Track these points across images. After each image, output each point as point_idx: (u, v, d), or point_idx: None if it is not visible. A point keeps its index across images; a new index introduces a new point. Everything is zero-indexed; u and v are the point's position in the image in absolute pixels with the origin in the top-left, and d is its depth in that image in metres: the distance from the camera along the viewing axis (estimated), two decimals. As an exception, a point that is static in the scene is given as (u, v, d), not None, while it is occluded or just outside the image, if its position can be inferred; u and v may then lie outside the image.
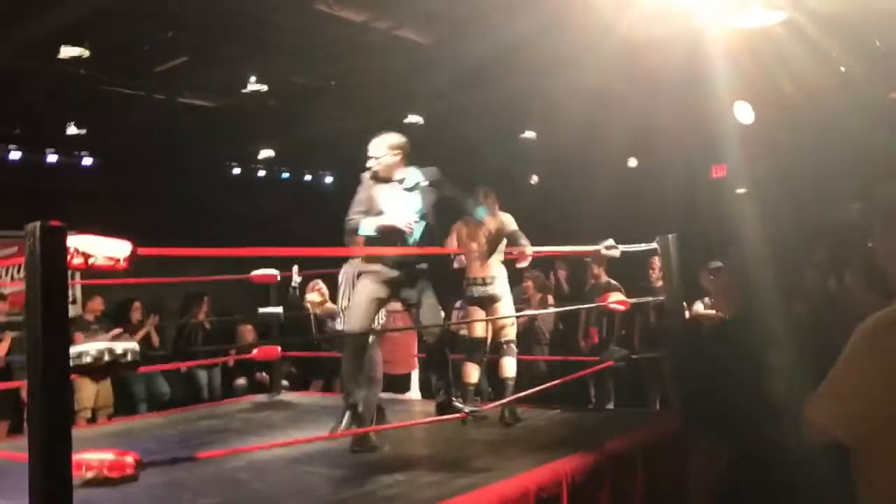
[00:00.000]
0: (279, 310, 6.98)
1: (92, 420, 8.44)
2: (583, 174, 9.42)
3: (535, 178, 10.57)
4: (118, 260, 3.11)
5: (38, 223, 2.69)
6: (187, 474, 4.34)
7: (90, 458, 2.95)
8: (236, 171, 10.41)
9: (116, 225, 8.59)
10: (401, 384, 7.99)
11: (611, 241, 5.72)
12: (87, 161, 8.96)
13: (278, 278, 6.61)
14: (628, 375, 7.73)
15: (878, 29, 6.24)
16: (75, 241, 2.91)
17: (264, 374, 8.55)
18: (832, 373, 2.15)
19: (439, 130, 8.26)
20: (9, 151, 8.32)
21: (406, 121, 7.99)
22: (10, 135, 8.24)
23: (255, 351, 7.62)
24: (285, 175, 10.89)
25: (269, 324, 7.42)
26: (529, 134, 9.11)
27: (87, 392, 8.42)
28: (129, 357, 3.71)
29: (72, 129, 7.98)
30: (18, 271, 8.81)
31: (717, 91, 6.88)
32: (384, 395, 7.63)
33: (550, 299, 8.41)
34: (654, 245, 5.70)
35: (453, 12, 5.84)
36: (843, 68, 6.68)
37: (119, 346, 3.76)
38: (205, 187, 9.67)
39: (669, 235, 5.64)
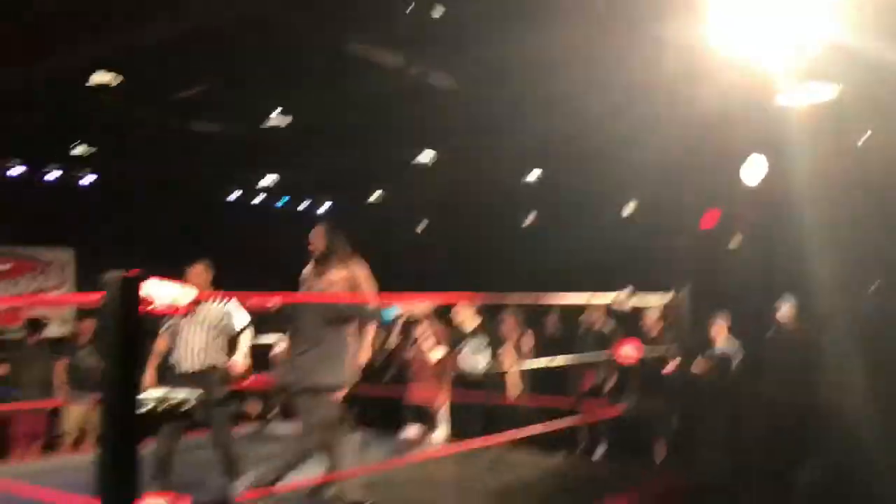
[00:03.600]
0: (273, 338, 6.99)
1: (80, 441, 8.33)
2: (576, 219, 9.61)
3: (531, 217, 10.69)
4: (178, 308, 3.13)
5: (119, 273, 2.71)
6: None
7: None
8: (235, 195, 10.42)
9: (113, 242, 8.60)
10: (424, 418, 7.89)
11: (628, 290, 5.79)
12: (88, 180, 8.91)
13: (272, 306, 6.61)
14: (623, 425, 7.78)
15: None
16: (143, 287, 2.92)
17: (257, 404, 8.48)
18: None
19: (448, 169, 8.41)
20: (10, 168, 8.26)
21: (414, 161, 8.09)
22: (15, 151, 8.20)
23: (250, 379, 7.59)
24: (283, 200, 10.93)
25: (265, 353, 7.40)
26: (532, 177, 9.25)
27: (75, 414, 8.30)
28: (186, 406, 3.69)
29: (77, 150, 7.96)
30: (13, 287, 8.74)
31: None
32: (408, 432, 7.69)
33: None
34: (668, 296, 5.82)
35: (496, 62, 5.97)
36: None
37: (178, 394, 3.72)
38: (203, 210, 9.65)
39: (683, 288, 5.77)
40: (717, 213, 9.47)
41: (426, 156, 8.21)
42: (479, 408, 7.16)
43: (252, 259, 9.24)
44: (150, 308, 2.96)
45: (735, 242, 9.43)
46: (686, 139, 7.33)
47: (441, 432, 7.86)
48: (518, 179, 9.34)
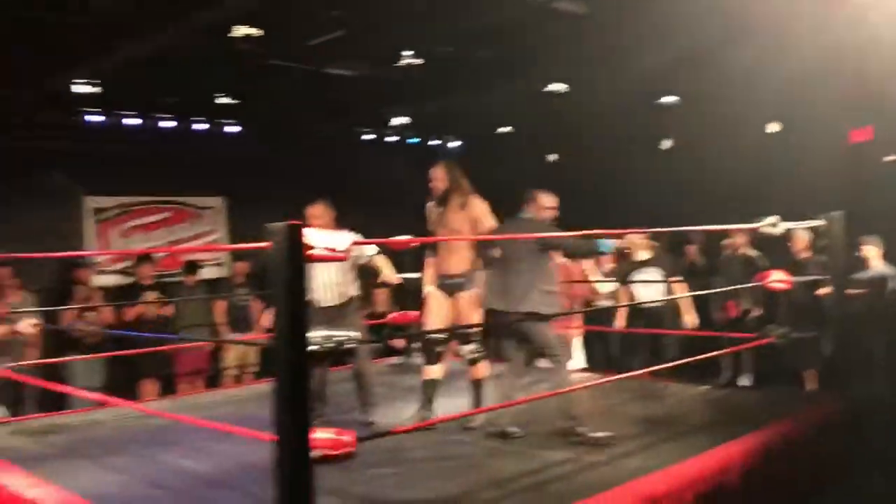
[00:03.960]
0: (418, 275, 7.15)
1: (240, 377, 8.94)
2: (717, 141, 9.24)
3: (667, 143, 10.37)
4: (334, 250, 3.28)
5: (283, 223, 2.86)
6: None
7: (316, 438, 3.12)
8: (368, 136, 10.63)
9: (259, 189, 9.01)
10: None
11: (773, 219, 5.57)
12: (234, 129, 9.32)
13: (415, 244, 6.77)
14: (771, 353, 7.59)
15: None
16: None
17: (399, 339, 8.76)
18: None
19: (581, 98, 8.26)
20: (162, 120, 8.73)
21: (546, 89, 7.98)
22: (163, 105, 8.66)
23: (392, 315, 7.89)
24: (414, 140, 11.06)
25: (407, 289, 7.59)
26: (669, 99, 8.94)
27: (234, 351, 8.90)
28: (348, 344, 3.89)
29: (222, 100, 8.33)
30: (171, 234, 9.34)
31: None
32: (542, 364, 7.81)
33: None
34: (820, 222, 5.57)
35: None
36: None
37: (340, 334, 3.93)
38: (337, 153, 9.90)
39: (836, 213, 5.51)
40: (870, 129, 8.91)
41: (556, 86, 8.08)
42: (646, 339, 7.19)
43: (386, 198, 9.46)
44: (310, 253, 3.11)
45: (890, 157, 8.86)
46: (832, 56, 6.90)
47: (576, 362, 7.95)
48: (652, 104, 9.06)
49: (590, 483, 3.92)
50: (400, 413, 5.55)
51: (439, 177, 5.39)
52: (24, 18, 5.99)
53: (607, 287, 7.86)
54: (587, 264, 7.75)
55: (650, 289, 7.33)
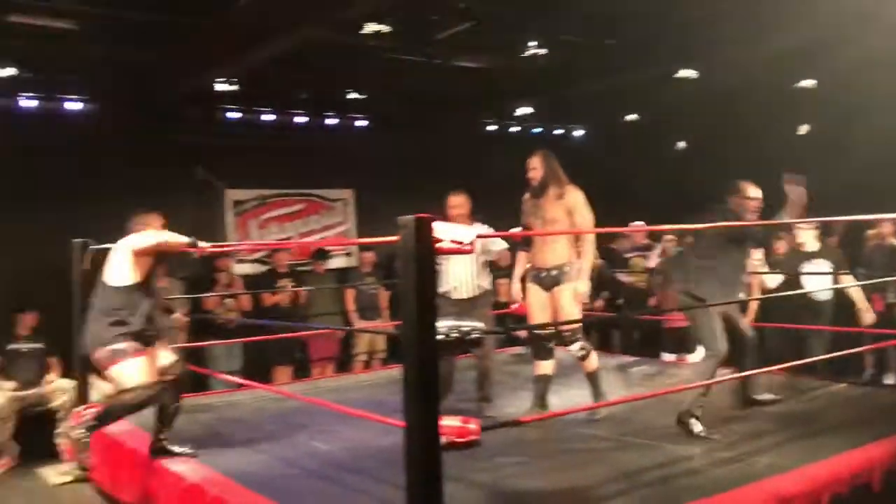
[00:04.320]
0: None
1: (369, 362, 9.23)
2: (861, 124, 8.72)
3: (804, 128, 9.89)
4: (462, 244, 3.35)
5: (412, 216, 2.95)
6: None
7: (443, 425, 3.20)
8: (491, 127, 10.68)
9: (386, 182, 9.22)
10: (681, 341, 7.85)
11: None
12: (363, 123, 9.59)
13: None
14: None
15: None
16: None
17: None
18: None
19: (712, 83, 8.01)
20: (296, 116, 9.08)
21: (678, 75, 7.79)
22: (297, 101, 9.01)
23: (514, 306, 7.90)
24: (537, 130, 11.02)
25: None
26: (807, 83, 8.53)
27: (364, 338, 9.19)
28: (476, 335, 3.99)
29: (352, 95, 8.59)
30: (304, 226, 9.72)
31: None
32: (666, 356, 7.66)
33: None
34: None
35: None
36: None
37: (466, 324, 4.03)
38: (462, 145, 9.98)
39: None
40: None
41: (686, 72, 7.87)
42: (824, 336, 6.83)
43: (509, 189, 9.44)
44: (438, 246, 3.19)
45: None
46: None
47: (698, 355, 7.72)
48: (789, 88, 8.67)
49: (718, 479, 3.83)
50: (522, 403, 5.60)
51: (536, 166, 5.31)
52: (175, 23, 6.41)
53: (775, 279, 7.38)
54: (757, 256, 7.33)
55: (818, 281, 6.93)
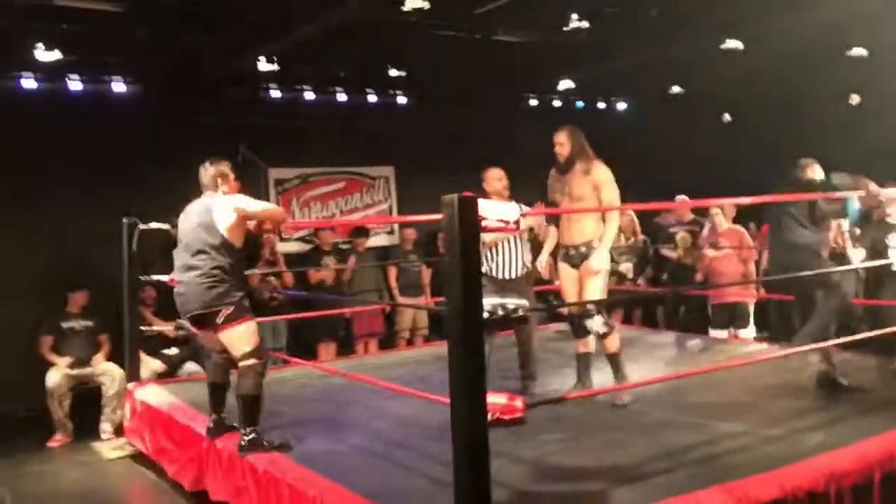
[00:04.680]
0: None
1: (410, 341, 9.30)
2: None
3: (856, 99, 9.62)
4: (508, 223, 3.35)
5: (455, 196, 2.94)
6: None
7: (489, 402, 3.22)
8: (533, 102, 10.57)
9: (427, 159, 9.21)
10: (731, 316, 7.74)
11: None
12: (403, 100, 9.57)
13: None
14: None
15: None
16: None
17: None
18: None
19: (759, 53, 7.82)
20: (337, 94, 9.09)
21: (724, 46, 7.63)
22: (337, 79, 9.01)
23: (557, 283, 7.85)
24: (579, 104, 10.89)
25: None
26: (858, 51, 8.27)
27: (407, 315, 9.26)
28: (520, 312, 4.00)
29: (392, 72, 8.56)
30: (346, 204, 9.76)
31: None
32: (715, 332, 7.58)
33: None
34: None
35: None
36: None
37: (510, 302, 4.04)
38: (503, 121, 9.91)
39: None
40: None
41: (732, 43, 7.70)
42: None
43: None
44: (483, 224, 3.19)
45: None
46: None
47: (751, 331, 7.62)
48: (838, 58, 8.42)
49: (765, 457, 3.79)
50: (566, 380, 5.59)
51: (562, 141, 5.24)
52: (220, 2, 6.46)
53: (859, 254, 7.13)
54: (836, 228, 7.10)
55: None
